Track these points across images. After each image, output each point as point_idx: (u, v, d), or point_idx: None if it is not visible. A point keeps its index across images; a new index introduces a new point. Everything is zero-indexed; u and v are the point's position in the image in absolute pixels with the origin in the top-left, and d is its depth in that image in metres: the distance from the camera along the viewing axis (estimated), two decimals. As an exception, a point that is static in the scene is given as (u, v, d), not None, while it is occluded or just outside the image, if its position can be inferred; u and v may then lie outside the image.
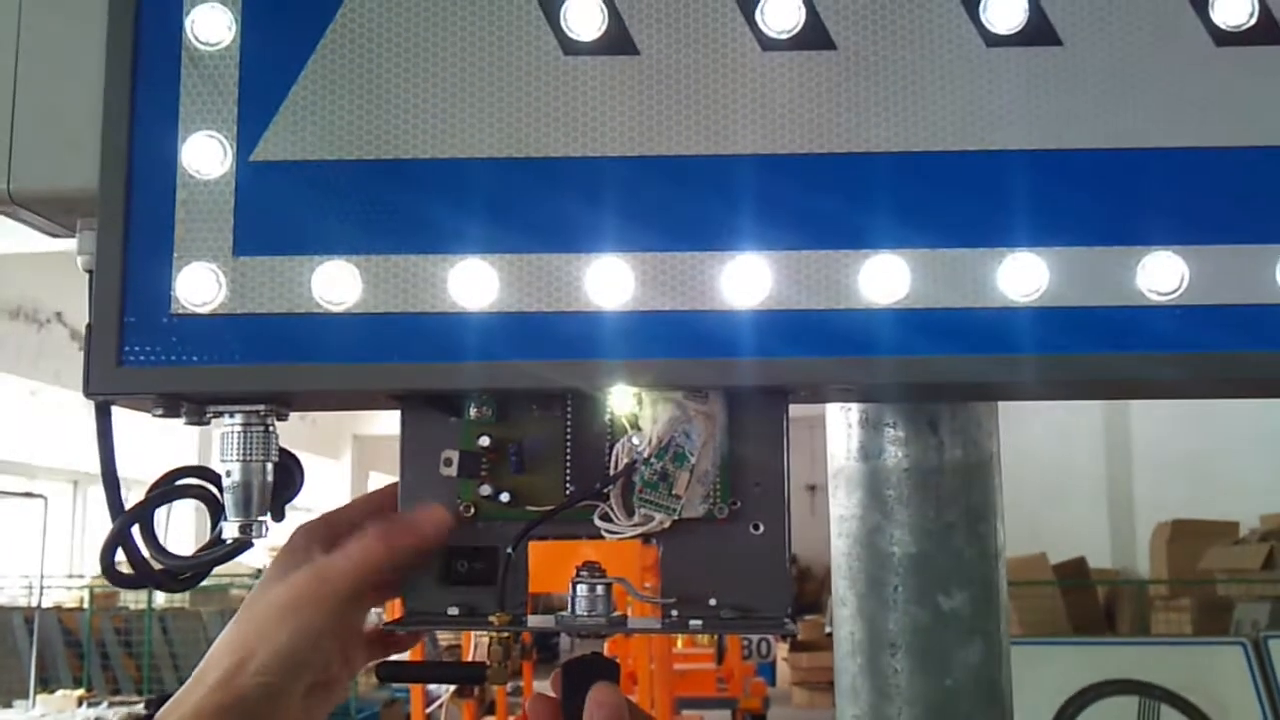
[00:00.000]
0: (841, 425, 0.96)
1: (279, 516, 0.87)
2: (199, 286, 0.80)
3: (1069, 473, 14.49)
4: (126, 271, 0.80)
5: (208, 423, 0.87)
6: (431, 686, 7.41)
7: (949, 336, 0.78)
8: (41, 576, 10.47)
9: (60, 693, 9.17)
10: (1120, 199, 0.79)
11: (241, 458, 0.83)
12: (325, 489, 17.28)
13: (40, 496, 11.56)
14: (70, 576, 13.51)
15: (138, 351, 0.80)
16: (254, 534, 0.83)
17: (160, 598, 11.68)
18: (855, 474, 0.94)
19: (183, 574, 0.87)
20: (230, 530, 0.83)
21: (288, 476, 0.87)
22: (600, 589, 0.79)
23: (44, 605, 10.29)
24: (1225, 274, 0.79)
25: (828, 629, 16.22)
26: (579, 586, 0.79)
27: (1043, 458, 15.14)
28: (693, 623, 0.81)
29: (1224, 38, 0.81)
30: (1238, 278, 0.78)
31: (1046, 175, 0.80)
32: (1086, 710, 3.54)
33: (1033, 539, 13.03)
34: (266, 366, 0.80)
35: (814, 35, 0.81)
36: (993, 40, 0.81)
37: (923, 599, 0.91)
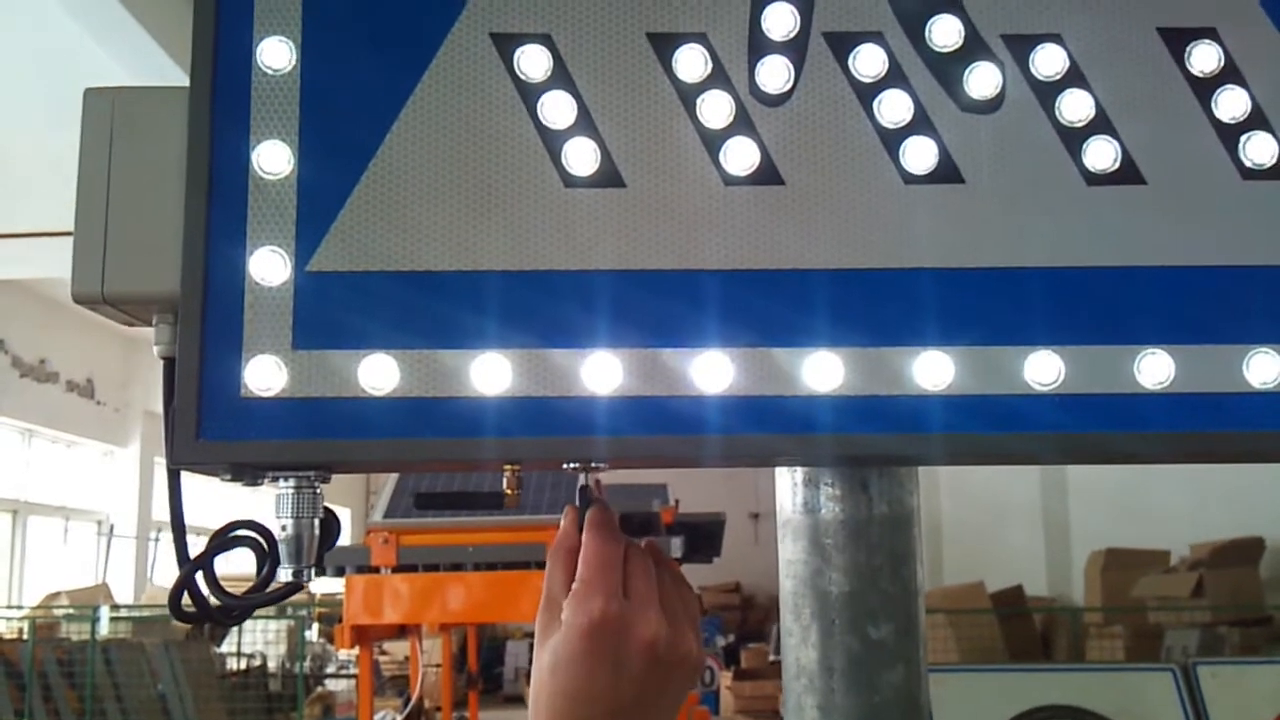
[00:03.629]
0: (788, 483, 1.15)
1: (321, 565, 1.04)
2: (264, 374, 0.98)
3: (1007, 504, 14.75)
4: (204, 362, 0.97)
5: (261, 484, 1.04)
6: (378, 716, 7.44)
7: (874, 418, 0.98)
8: None
9: (0, 725, 9.08)
10: (1009, 307, 1.00)
11: (295, 515, 1.00)
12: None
13: None
14: (9, 607, 13.35)
15: (213, 428, 0.97)
16: (304, 578, 1.01)
17: (103, 629, 11.58)
18: (800, 525, 1.14)
19: (236, 611, 1.05)
20: (284, 575, 1.00)
21: (328, 530, 1.04)
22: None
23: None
24: (1094, 369, 0.99)
25: (772, 657, 16.31)
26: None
27: (983, 490, 15.43)
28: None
29: (1093, 179, 1.01)
30: (1104, 372, 0.99)
31: (951, 288, 1.00)
32: None
33: (973, 568, 13.26)
34: (320, 441, 0.98)
35: (767, 173, 1.01)
36: (909, 179, 1.01)
37: (855, 630, 1.10)
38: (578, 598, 0.94)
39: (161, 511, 16.50)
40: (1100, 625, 11.02)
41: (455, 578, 5.51)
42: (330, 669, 15.27)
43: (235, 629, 13.43)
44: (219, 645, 13.10)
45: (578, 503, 1.05)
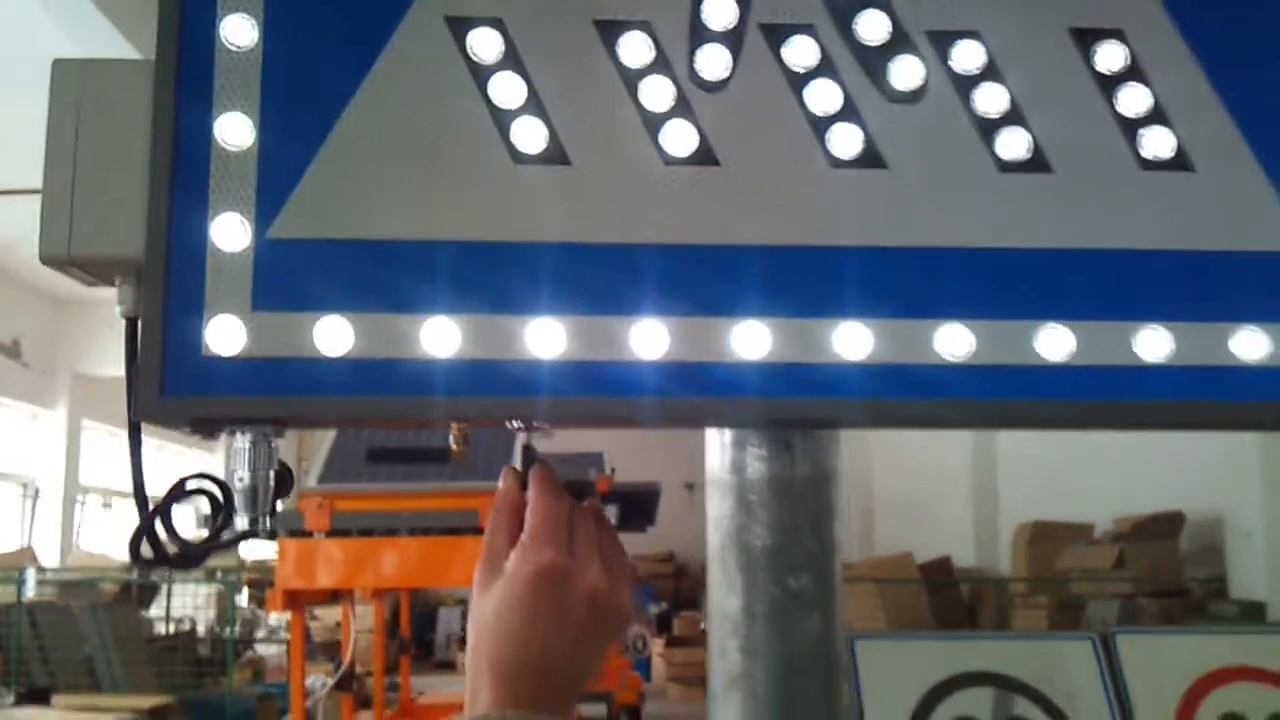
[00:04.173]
0: (716, 444, 1.22)
1: (273, 514, 1.10)
2: (224, 335, 1.03)
3: (939, 478, 15.00)
4: (167, 322, 1.03)
5: (217, 438, 1.10)
6: (309, 681, 7.46)
7: (798, 384, 1.06)
8: None
9: (-71, 686, 8.98)
10: (924, 284, 1.07)
11: (251, 468, 1.06)
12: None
13: None
14: (-60, 571, 13.19)
15: (175, 385, 1.03)
16: (259, 527, 1.07)
17: (30, 592, 11.45)
18: (727, 484, 1.21)
19: (193, 557, 1.10)
20: (241, 523, 1.06)
21: (282, 482, 1.10)
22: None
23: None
24: (1001, 342, 1.07)
25: (703, 625, 16.42)
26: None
27: (915, 464, 15.67)
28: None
29: (1005, 167, 1.09)
30: (1009, 345, 1.07)
31: (871, 265, 1.07)
32: (946, 699, 3.74)
33: (904, 540, 13.47)
34: (277, 399, 1.03)
35: (704, 155, 1.08)
36: (836, 164, 1.08)
37: (777, 581, 1.18)
38: (525, 549, 1.01)
39: (88, 475, 16.27)
40: (1025, 596, 11.23)
41: (389, 543, 5.56)
42: (260, 634, 15.22)
43: (163, 593, 13.35)
44: (147, 609, 13.01)
45: (520, 463, 1.12)
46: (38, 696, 8.49)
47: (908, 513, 16.73)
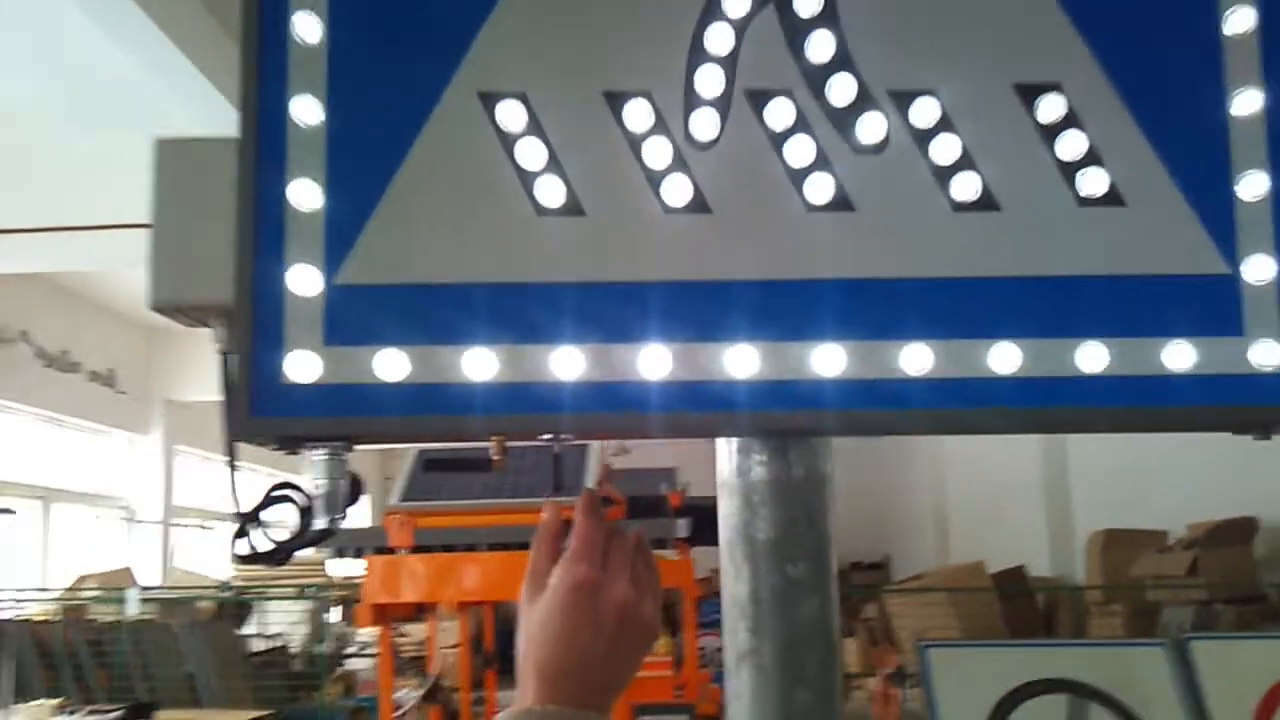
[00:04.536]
0: (725, 451, 1.41)
1: (344, 516, 1.31)
2: (300, 366, 1.24)
3: (1011, 487, 14.93)
4: (254, 358, 1.24)
5: (299, 453, 1.31)
6: (398, 695, 7.68)
7: (783, 398, 1.24)
8: (16, 590, 10.53)
9: (36, 702, 9.32)
10: (889, 310, 1.26)
11: (328, 476, 1.27)
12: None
13: (9, 511, 11.62)
14: (39, 590, 13.67)
15: (261, 408, 1.24)
16: (336, 525, 1.27)
17: (132, 610, 11.84)
18: (734, 485, 1.40)
19: (281, 553, 1.32)
20: (320, 523, 1.27)
21: (354, 489, 1.31)
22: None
23: (14, 619, 10.37)
24: (957, 358, 1.25)
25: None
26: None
27: (987, 474, 15.61)
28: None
29: (958, 207, 1.27)
30: (965, 361, 1.25)
31: (843, 295, 1.26)
32: (1020, 707, 3.74)
33: (978, 549, 13.43)
34: (345, 419, 1.24)
35: (698, 204, 1.27)
36: (810, 209, 1.27)
37: (779, 570, 1.37)
38: (565, 564, 1.15)
39: (181, 497, 16.74)
40: (1100, 604, 11.15)
41: (469, 557, 5.77)
42: (351, 650, 15.55)
43: (257, 611, 13.74)
44: (242, 627, 13.39)
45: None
46: (141, 712, 8.80)
47: (982, 522, 16.66)
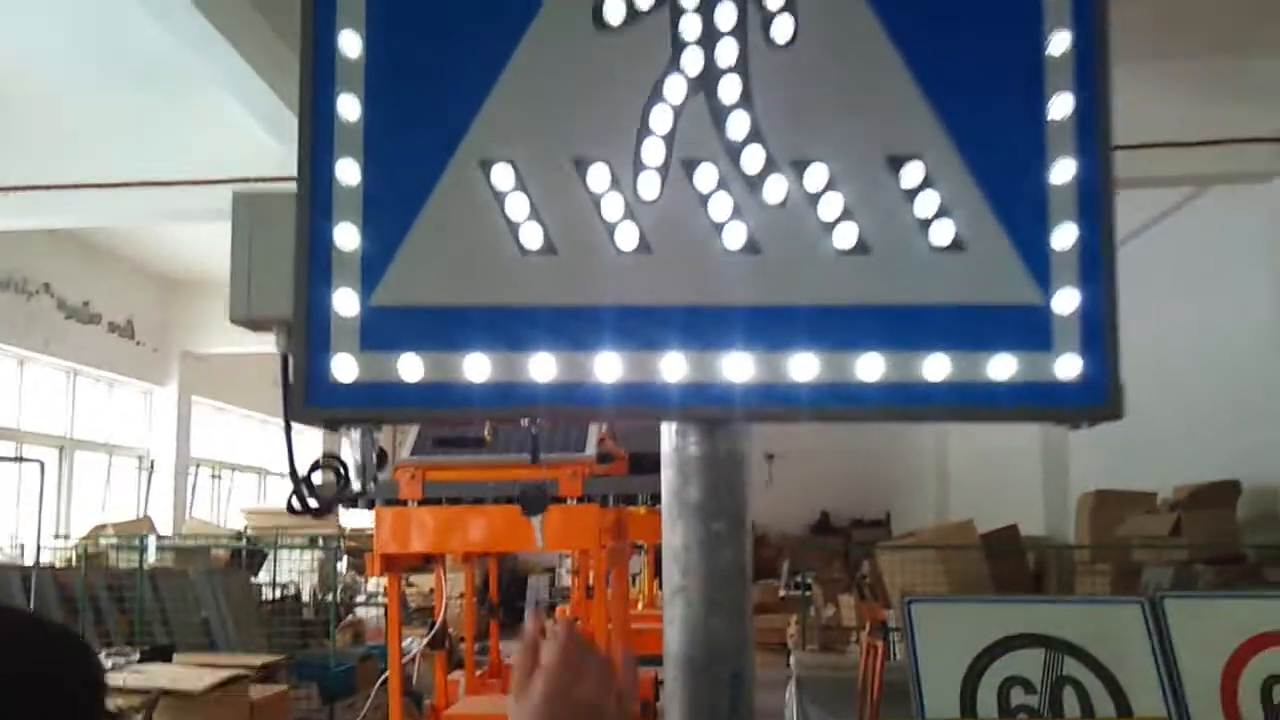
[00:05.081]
0: (666, 433, 1.83)
1: (374, 480, 1.73)
2: (343, 367, 1.66)
3: (1011, 449, 15.25)
4: (308, 360, 1.66)
5: (338, 431, 1.73)
6: (404, 643, 7.98)
7: (703, 396, 1.66)
8: (39, 537, 10.80)
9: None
10: (786, 328, 1.66)
11: (362, 450, 1.69)
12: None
13: (37, 461, 11.94)
14: (57, 537, 14.10)
15: (314, 398, 1.66)
16: (367, 489, 1.70)
17: (151, 557, 12.24)
18: (672, 459, 1.81)
19: (327, 507, 1.74)
20: (355, 486, 1.69)
21: (381, 460, 1.73)
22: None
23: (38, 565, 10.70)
24: (837, 367, 1.66)
25: (782, 593, 16.80)
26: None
27: (987, 437, 15.93)
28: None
29: (840, 252, 1.68)
30: (842, 369, 1.66)
31: (752, 317, 1.67)
32: (998, 660, 3.84)
33: (976, 509, 13.75)
34: (375, 409, 1.66)
35: (644, 247, 1.68)
36: (728, 253, 1.68)
37: (705, 525, 1.78)
38: (542, 676, 1.39)
39: (198, 448, 17.13)
40: (1087, 563, 11.40)
41: (476, 510, 6.04)
42: (360, 599, 15.99)
43: (270, 560, 14.17)
44: (255, 575, 13.80)
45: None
46: (160, 655, 9.19)
47: (982, 482, 17.04)
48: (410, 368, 1.66)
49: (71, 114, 9.72)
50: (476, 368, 1.66)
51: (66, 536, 14.09)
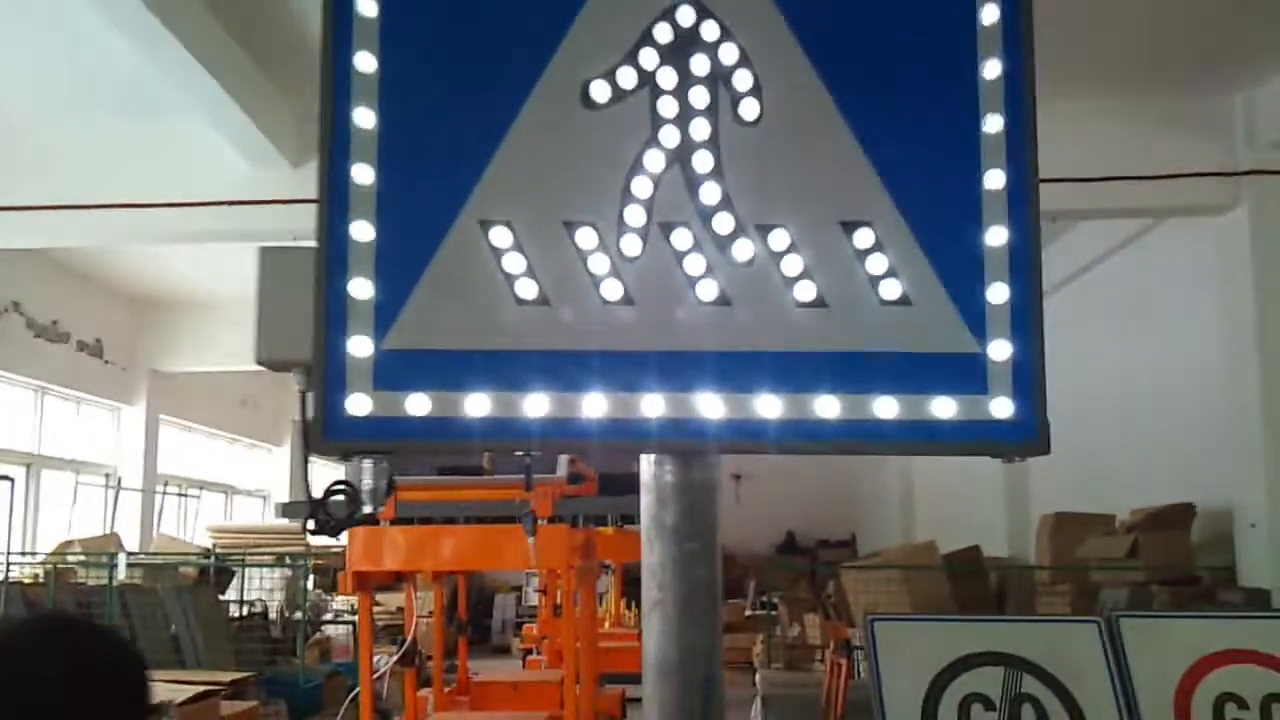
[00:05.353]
0: (645, 463, 2.04)
1: (383, 504, 1.93)
2: (357, 404, 1.86)
3: (974, 471, 15.38)
4: (326, 398, 1.86)
5: (352, 460, 1.93)
6: (375, 659, 8.06)
7: (679, 430, 1.87)
8: (7, 553, 10.76)
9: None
10: (753, 372, 1.88)
11: (373, 477, 1.89)
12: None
13: (5, 479, 11.89)
14: (24, 554, 14.01)
15: (331, 432, 1.86)
16: (378, 512, 1.89)
17: (121, 574, 12.21)
18: (651, 486, 2.02)
19: (341, 527, 1.93)
20: (367, 509, 1.89)
21: (390, 486, 1.93)
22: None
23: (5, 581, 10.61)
24: (796, 407, 1.87)
25: (748, 612, 16.88)
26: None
27: (951, 462, 16.12)
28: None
29: (800, 305, 1.90)
30: (801, 407, 1.87)
31: (721, 362, 1.88)
32: (959, 678, 3.77)
33: (939, 531, 13.90)
34: (387, 441, 1.86)
35: (627, 299, 1.90)
36: (701, 304, 1.90)
37: (680, 544, 1.99)
38: None
39: (166, 465, 16.95)
40: (1048, 583, 11.52)
41: (447, 530, 6.18)
42: (327, 617, 15.97)
43: (236, 578, 14.15)
44: (223, 593, 13.74)
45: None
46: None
47: (946, 504, 17.23)
48: (418, 405, 1.87)
49: (42, 135, 9.74)
50: (478, 405, 1.87)
51: (34, 553, 14.02)
